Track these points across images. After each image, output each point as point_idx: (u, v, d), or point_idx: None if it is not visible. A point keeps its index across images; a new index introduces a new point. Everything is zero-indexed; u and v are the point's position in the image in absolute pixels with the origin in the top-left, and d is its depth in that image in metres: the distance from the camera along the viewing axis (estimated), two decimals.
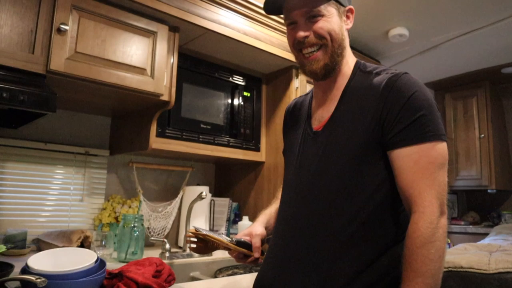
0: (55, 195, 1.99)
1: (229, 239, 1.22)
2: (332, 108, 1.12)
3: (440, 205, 0.95)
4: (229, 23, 2.02)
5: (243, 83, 2.31)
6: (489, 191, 3.86)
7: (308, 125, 1.18)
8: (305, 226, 1.06)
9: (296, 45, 1.13)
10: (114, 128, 2.21)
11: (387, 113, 1.00)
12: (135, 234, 1.79)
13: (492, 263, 1.98)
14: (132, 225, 1.81)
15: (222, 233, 2.29)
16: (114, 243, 1.88)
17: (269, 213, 1.35)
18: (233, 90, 2.24)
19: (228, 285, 1.46)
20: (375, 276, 0.97)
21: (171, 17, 1.83)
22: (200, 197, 1.96)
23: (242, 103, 2.27)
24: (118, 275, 1.22)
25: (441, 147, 0.98)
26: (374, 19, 2.70)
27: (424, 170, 0.96)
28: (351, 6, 1.17)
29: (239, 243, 1.21)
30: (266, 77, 2.48)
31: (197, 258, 1.92)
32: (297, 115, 1.28)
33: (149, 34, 1.78)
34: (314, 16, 1.09)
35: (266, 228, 1.30)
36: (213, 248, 1.24)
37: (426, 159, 0.96)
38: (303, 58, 1.14)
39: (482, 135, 3.81)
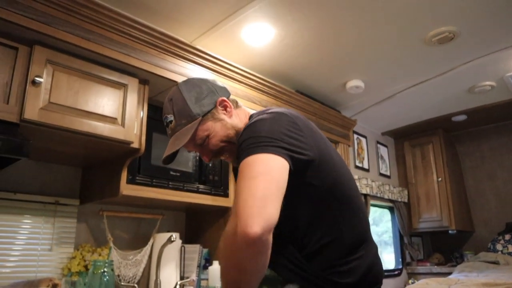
0: (21, 245, 1.98)
1: None
2: None
3: (239, 219, 0.91)
4: (196, 76, 2.16)
5: None
6: (450, 232, 4.01)
7: None
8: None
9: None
10: (85, 177, 2.25)
11: None
12: (105, 280, 1.80)
13: None
14: (102, 270, 1.82)
15: (194, 279, 2.30)
16: None
17: None
18: None
19: None
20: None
21: (141, 71, 1.96)
22: (170, 240, 1.99)
23: None
24: None
25: (249, 160, 1.00)
26: (332, 72, 2.94)
27: (237, 188, 0.99)
28: (218, 98, 1.23)
29: None
30: None
31: None
32: None
33: (120, 86, 1.89)
34: (202, 142, 1.22)
35: None
36: None
37: (239, 177, 1.00)
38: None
39: (440, 179, 4.03)
